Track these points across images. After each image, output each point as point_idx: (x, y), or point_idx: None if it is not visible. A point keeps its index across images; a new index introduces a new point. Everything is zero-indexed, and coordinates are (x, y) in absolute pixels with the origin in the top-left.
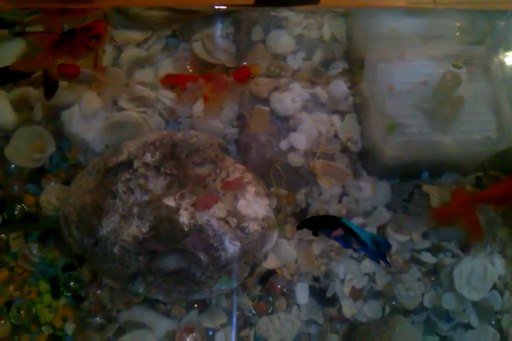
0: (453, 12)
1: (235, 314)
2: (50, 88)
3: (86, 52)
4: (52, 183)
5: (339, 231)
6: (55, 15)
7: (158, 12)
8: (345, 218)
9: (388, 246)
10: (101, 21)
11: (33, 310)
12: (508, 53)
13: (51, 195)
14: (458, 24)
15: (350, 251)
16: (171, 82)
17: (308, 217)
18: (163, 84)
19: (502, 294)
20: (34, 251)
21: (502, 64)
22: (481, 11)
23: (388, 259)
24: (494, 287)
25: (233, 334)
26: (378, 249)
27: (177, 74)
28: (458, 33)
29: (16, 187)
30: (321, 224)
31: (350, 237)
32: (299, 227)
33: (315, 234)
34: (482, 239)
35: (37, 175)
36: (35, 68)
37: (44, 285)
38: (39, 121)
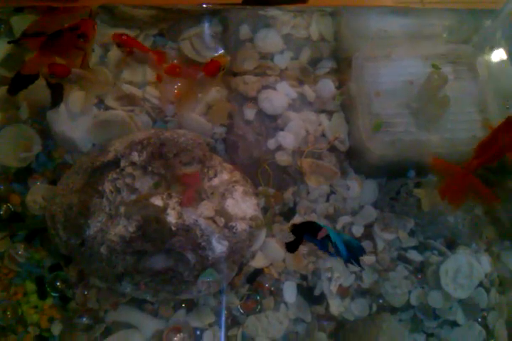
0: (440, 11)
1: (224, 313)
2: (56, 98)
3: (76, 52)
4: (38, 183)
5: (324, 232)
6: (48, 15)
7: (146, 10)
8: (332, 217)
9: (362, 250)
10: (88, 20)
11: (19, 310)
12: (494, 52)
13: (37, 195)
14: (445, 23)
15: None
16: (119, 41)
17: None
18: (113, 39)
19: (488, 291)
20: (20, 252)
21: (488, 63)
22: (468, 10)
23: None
24: (480, 284)
25: (222, 333)
26: (352, 253)
27: (129, 38)
28: (445, 32)
29: (1, 187)
30: (304, 230)
31: (326, 240)
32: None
33: (298, 240)
34: (497, 200)
35: (23, 175)
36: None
37: (30, 286)
38: (25, 120)
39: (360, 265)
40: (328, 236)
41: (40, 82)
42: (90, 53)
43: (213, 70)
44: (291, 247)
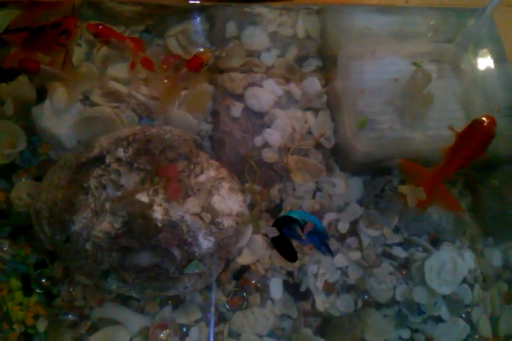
0: (424, 10)
1: (211, 310)
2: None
3: (58, 49)
4: (23, 179)
5: (309, 227)
6: (32, 10)
7: (131, 7)
8: (318, 213)
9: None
10: (70, 17)
11: (4, 307)
12: (477, 51)
13: (22, 191)
14: (429, 22)
15: None
16: (95, 31)
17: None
18: (87, 30)
19: (472, 287)
20: (5, 248)
21: (471, 61)
22: (452, 9)
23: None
24: (464, 280)
25: (211, 329)
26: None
27: (105, 27)
28: (429, 31)
29: None
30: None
31: (295, 229)
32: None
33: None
34: (460, 208)
35: (7, 171)
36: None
37: (15, 283)
38: (10, 116)
39: (329, 250)
40: (296, 225)
41: (25, 78)
42: (73, 50)
43: (196, 66)
44: (289, 256)
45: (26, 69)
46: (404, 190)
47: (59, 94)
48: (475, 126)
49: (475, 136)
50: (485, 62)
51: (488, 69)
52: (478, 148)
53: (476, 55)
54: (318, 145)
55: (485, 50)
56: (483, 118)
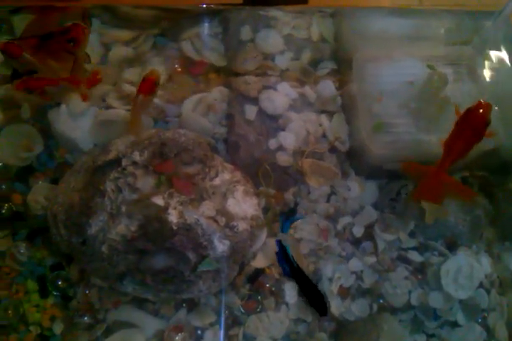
0: (440, 12)
1: (224, 313)
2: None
3: (68, 56)
4: (40, 182)
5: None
6: (43, 16)
7: (147, 10)
8: (333, 217)
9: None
10: (78, 24)
11: (21, 309)
12: (494, 54)
13: (39, 194)
14: (445, 24)
15: (338, 250)
16: (25, 87)
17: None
18: (18, 89)
19: (488, 292)
20: (22, 250)
21: (488, 64)
22: (468, 12)
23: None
24: (480, 285)
25: (221, 333)
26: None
27: (32, 81)
28: (444, 34)
29: (3, 186)
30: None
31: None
32: None
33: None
34: (475, 194)
35: (25, 174)
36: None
37: (32, 285)
38: (26, 119)
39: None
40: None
41: None
42: (82, 57)
43: (150, 87)
44: (320, 309)
45: (9, 53)
46: (426, 205)
47: (75, 97)
48: (469, 113)
49: (469, 124)
50: (501, 65)
51: (504, 72)
52: (474, 135)
53: (492, 58)
54: (333, 149)
55: (501, 53)
56: (478, 105)
